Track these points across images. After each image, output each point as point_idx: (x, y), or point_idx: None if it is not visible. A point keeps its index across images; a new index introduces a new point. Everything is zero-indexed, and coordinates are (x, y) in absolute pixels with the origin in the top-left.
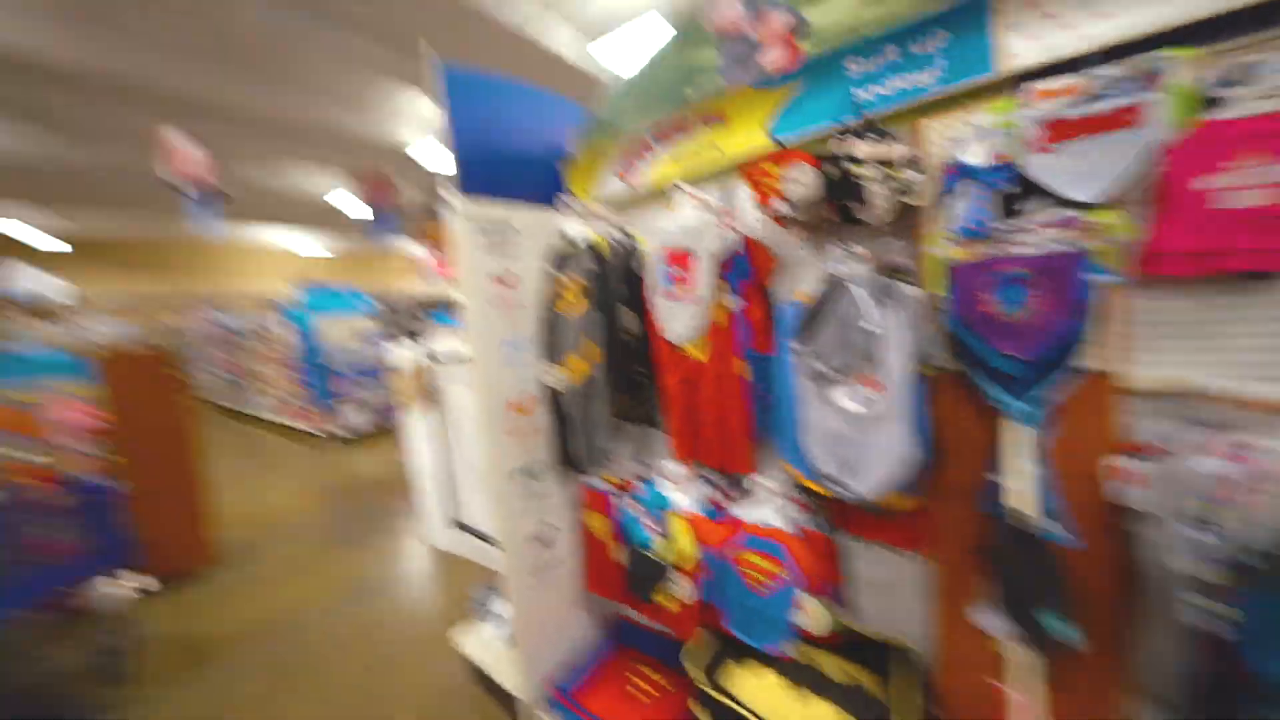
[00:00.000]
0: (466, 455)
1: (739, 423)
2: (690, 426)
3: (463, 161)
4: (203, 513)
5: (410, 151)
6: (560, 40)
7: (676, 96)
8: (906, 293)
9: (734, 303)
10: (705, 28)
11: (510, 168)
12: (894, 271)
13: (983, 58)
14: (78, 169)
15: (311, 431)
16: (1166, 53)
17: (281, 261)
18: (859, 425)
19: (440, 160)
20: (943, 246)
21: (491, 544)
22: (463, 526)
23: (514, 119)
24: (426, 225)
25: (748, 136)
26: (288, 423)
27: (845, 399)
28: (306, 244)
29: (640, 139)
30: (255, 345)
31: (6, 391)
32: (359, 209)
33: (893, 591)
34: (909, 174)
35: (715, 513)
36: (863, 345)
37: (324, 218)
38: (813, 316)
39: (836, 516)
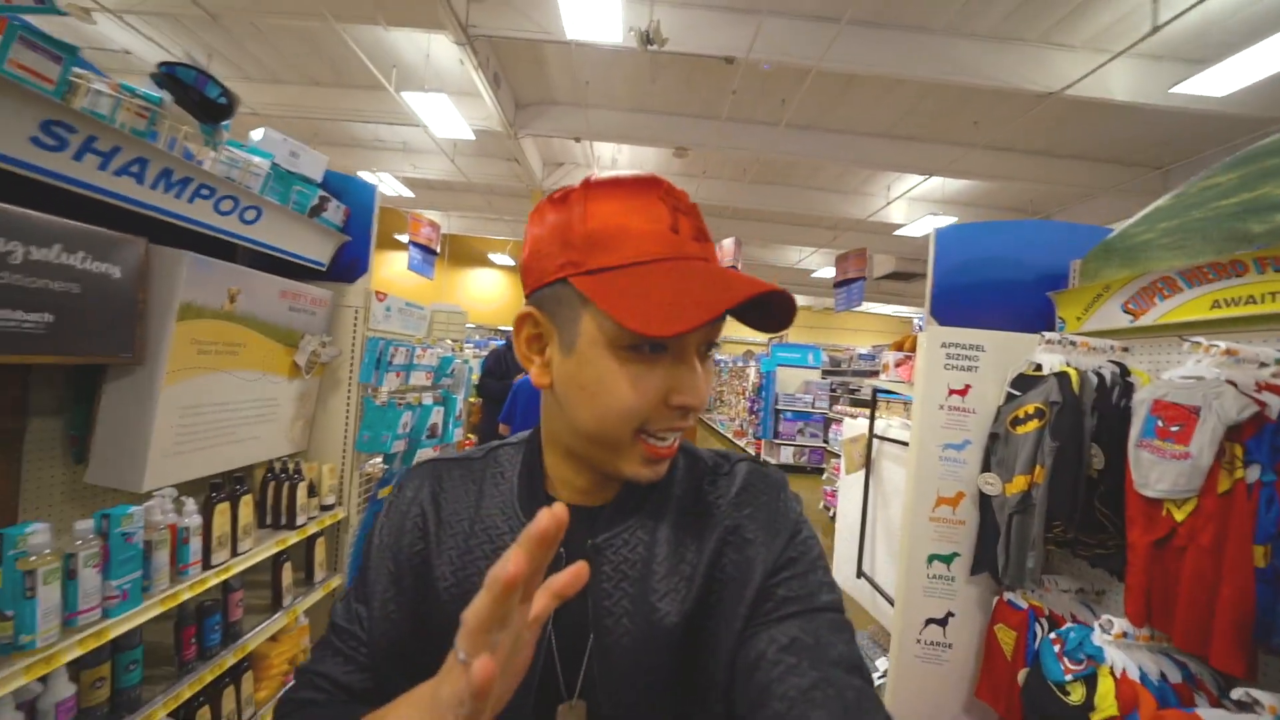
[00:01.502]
0: (886, 520)
1: (1233, 612)
2: (1159, 594)
3: (937, 298)
4: None
5: (900, 233)
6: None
7: (1227, 234)
8: None
9: (1253, 475)
10: None
11: (989, 295)
12: None
13: None
14: None
15: (749, 451)
16: None
17: None
18: None
19: (923, 230)
20: None
21: (890, 600)
22: (867, 577)
23: (1002, 253)
24: (905, 338)
25: None
26: (733, 439)
27: None
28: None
29: (1163, 277)
30: (730, 379)
31: None
32: (833, 275)
33: None
34: None
35: (1163, 692)
36: None
37: (796, 278)
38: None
39: None
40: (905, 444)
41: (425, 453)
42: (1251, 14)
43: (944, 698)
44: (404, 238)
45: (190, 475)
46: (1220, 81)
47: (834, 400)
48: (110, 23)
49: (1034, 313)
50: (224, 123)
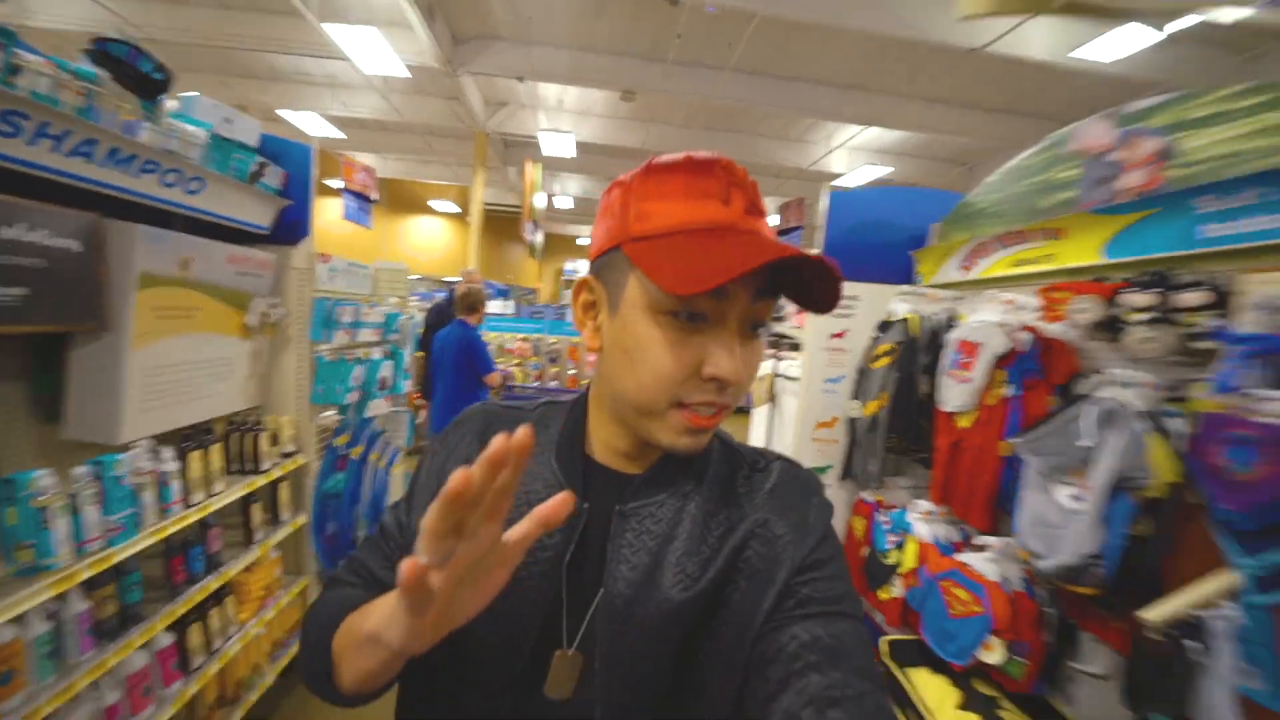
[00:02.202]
0: (783, 443)
1: (986, 490)
2: (949, 479)
3: (828, 254)
4: None
5: (839, 182)
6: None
7: (1025, 210)
8: (1130, 421)
9: (1009, 391)
10: (1071, 147)
11: (869, 253)
12: (1172, 399)
13: None
14: None
15: None
16: None
17: None
18: (1064, 517)
19: (861, 180)
20: (1201, 393)
21: None
22: None
23: (882, 217)
24: None
25: (1080, 253)
26: None
27: (1061, 493)
28: None
29: (988, 240)
30: None
31: None
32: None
33: (1100, 685)
34: (1203, 320)
35: (946, 548)
36: (1075, 454)
37: None
38: (1048, 419)
39: (1062, 595)
40: (798, 379)
41: (377, 403)
42: None
43: None
44: (337, 184)
45: (160, 429)
46: (1109, 48)
47: (771, 346)
48: None
49: (901, 267)
50: (162, 96)
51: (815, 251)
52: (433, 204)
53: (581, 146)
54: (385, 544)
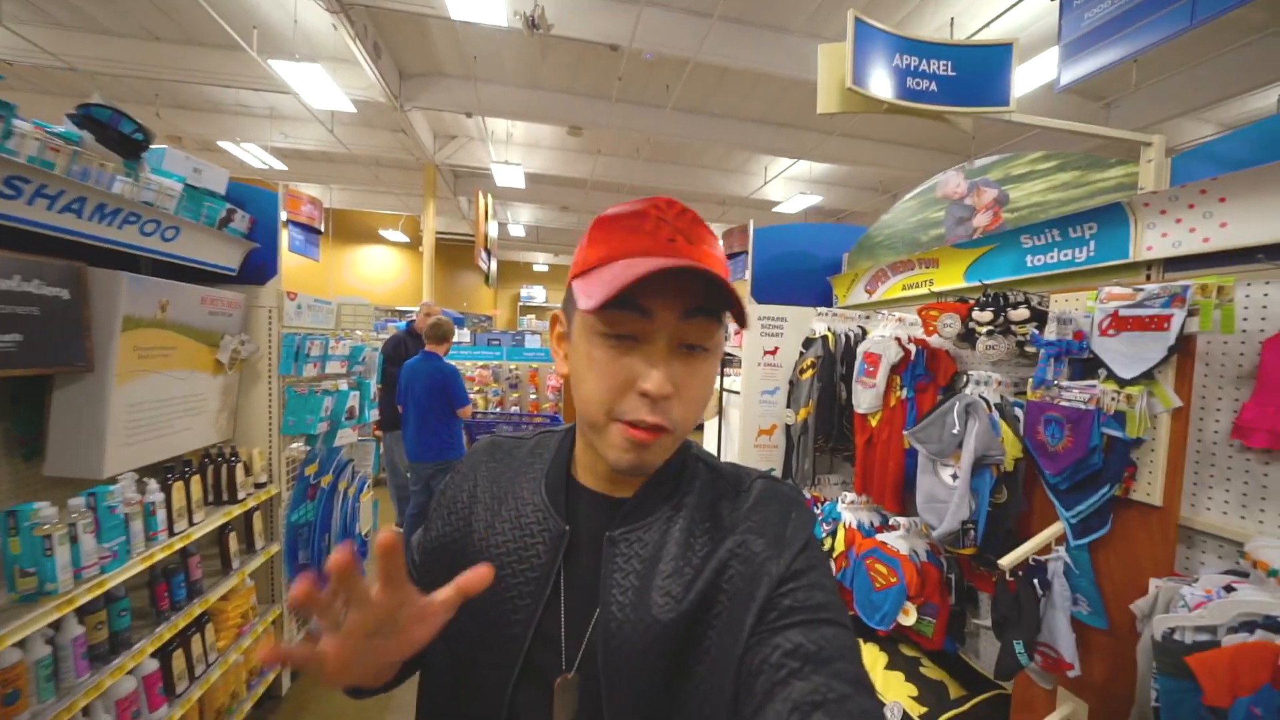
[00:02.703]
0: (732, 451)
1: (894, 476)
2: (866, 471)
3: (756, 281)
4: None
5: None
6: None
7: (910, 243)
8: (982, 412)
9: (905, 393)
10: (938, 193)
11: (792, 280)
12: (1017, 393)
13: (1122, 246)
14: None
15: None
16: (1195, 279)
17: None
18: (947, 492)
19: (796, 208)
20: (1029, 387)
21: None
22: None
23: (800, 248)
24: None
25: (950, 278)
26: None
27: (944, 473)
28: None
29: (883, 267)
30: None
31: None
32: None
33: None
34: (1030, 330)
35: (868, 530)
36: (950, 440)
37: None
38: (931, 413)
39: (963, 561)
40: (739, 393)
41: (345, 433)
42: (1029, 34)
43: None
44: (281, 216)
45: (140, 463)
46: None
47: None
48: None
49: (821, 291)
50: (143, 155)
51: (702, 266)
52: (383, 233)
53: (531, 177)
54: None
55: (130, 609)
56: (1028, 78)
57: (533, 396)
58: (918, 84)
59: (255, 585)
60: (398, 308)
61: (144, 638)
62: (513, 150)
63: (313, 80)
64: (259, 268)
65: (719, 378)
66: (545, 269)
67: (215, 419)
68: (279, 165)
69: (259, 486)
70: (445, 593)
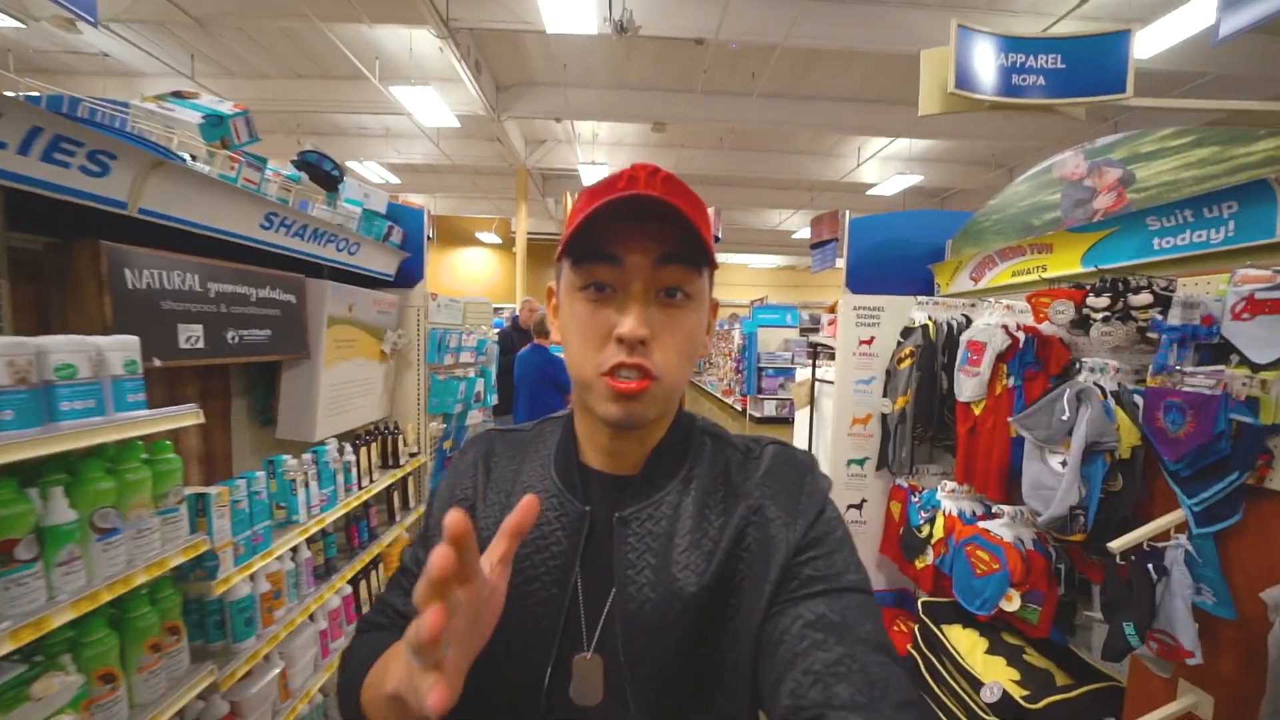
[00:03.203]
0: (824, 440)
1: (998, 465)
2: (969, 459)
3: (851, 271)
4: None
5: (872, 192)
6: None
7: (1022, 227)
8: (1094, 398)
9: (1011, 381)
10: (1054, 175)
11: (890, 268)
12: (1138, 380)
13: (1270, 226)
14: None
15: (736, 408)
16: None
17: (744, 275)
18: (1055, 479)
19: (894, 189)
20: (1149, 373)
21: None
22: None
23: (899, 235)
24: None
25: (1065, 264)
26: (721, 397)
27: (1053, 460)
28: (761, 262)
29: (991, 254)
30: (718, 341)
31: None
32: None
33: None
34: (1153, 315)
35: (969, 518)
36: (1060, 427)
37: (778, 239)
38: (1040, 399)
39: (1074, 552)
40: (833, 383)
41: (474, 414)
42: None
43: (863, 557)
44: (426, 230)
45: (336, 431)
46: (1144, 45)
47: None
48: (91, 29)
49: (921, 279)
50: (341, 188)
51: (657, 195)
52: (479, 235)
53: None
54: (406, 580)
55: (335, 544)
56: (1166, 33)
57: None
58: (1024, 79)
59: (410, 537)
60: (495, 305)
61: (343, 567)
62: (598, 150)
63: (425, 101)
64: (409, 274)
65: (810, 367)
66: None
67: (380, 399)
68: (394, 179)
69: (412, 456)
70: (499, 546)
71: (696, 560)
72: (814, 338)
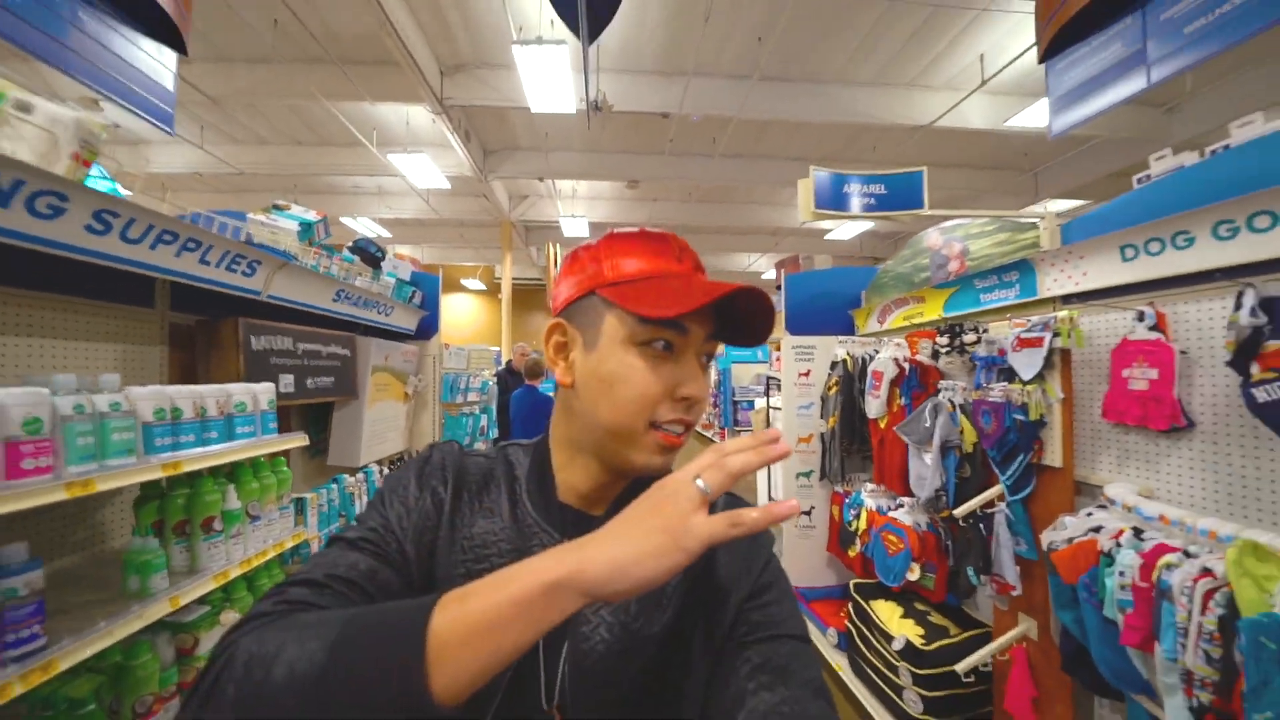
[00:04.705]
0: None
1: (899, 466)
2: (880, 464)
3: (790, 317)
4: None
5: (829, 237)
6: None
7: (907, 283)
8: (944, 409)
9: (903, 401)
10: (924, 245)
11: (820, 315)
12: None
13: (1033, 288)
14: None
15: (716, 440)
16: (1058, 312)
17: None
18: (926, 469)
19: (848, 234)
20: (973, 389)
21: None
22: (770, 496)
23: (827, 288)
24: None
25: (934, 311)
26: (701, 431)
27: (925, 456)
28: None
29: (889, 302)
30: None
31: None
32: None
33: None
34: (973, 350)
35: (884, 510)
36: (924, 432)
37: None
38: (911, 412)
39: (953, 528)
40: (780, 409)
41: (480, 445)
42: None
43: (813, 555)
44: (439, 291)
45: (371, 459)
46: (1039, 116)
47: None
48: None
49: (845, 322)
50: (382, 265)
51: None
52: (464, 282)
53: (594, 226)
54: (371, 545)
55: None
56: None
57: None
58: (864, 200)
59: None
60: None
61: None
62: (577, 204)
63: (419, 166)
64: (427, 328)
65: (765, 396)
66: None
67: (403, 433)
68: (385, 233)
69: None
70: (755, 514)
71: (653, 605)
72: (767, 372)
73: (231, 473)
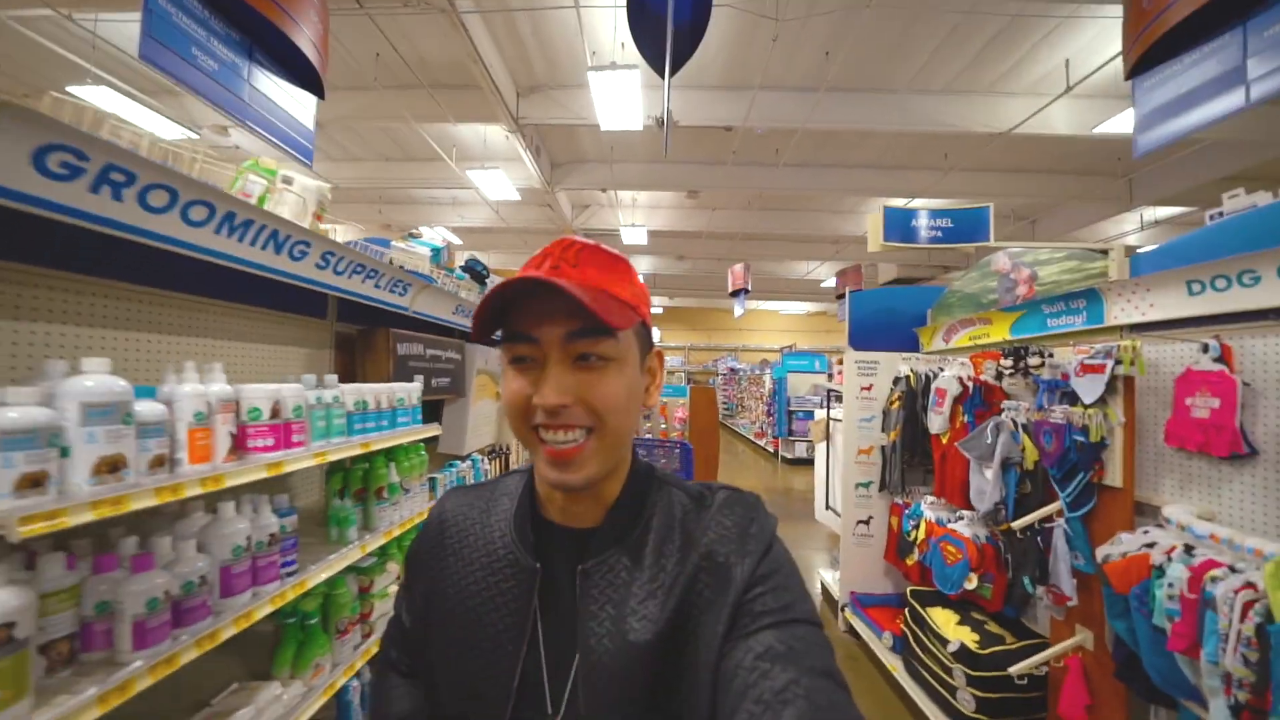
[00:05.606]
0: (838, 471)
1: (960, 481)
2: (941, 477)
3: (853, 333)
4: (715, 471)
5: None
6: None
7: (975, 304)
8: (1006, 428)
9: (966, 418)
10: (993, 268)
11: (883, 332)
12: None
13: (1100, 316)
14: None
15: (768, 450)
16: (1122, 341)
17: (775, 321)
18: (987, 484)
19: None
20: (1035, 410)
21: (838, 514)
22: (831, 508)
23: (891, 305)
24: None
25: (1000, 332)
26: (754, 440)
27: (986, 471)
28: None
29: (955, 322)
30: (749, 385)
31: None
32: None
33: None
34: (1040, 373)
35: (943, 522)
36: (986, 449)
37: (808, 288)
38: (973, 430)
39: (1012, 543)
40: (841, 420)
41: None
42: None
43: (871, 564)
44: None
45: (473, 449)
46: (1128, 122)
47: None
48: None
49: (909, 340)
50: (487, 280)
51: (546, 277)
52: None
53: (653, 234)
54: (395, 631)
55: None
56: None
57: (663, 426)
58: (931, 233)
59: None
60: None
61: None
62: (637, 213)
63: (494, 180)
64: None
65: (825, 409)
66: (661, 310)
67: (494, 427)
68: (456, 240)
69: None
70: None
71: (651, 608)
72: (827, 385)
73: (390, 453)
